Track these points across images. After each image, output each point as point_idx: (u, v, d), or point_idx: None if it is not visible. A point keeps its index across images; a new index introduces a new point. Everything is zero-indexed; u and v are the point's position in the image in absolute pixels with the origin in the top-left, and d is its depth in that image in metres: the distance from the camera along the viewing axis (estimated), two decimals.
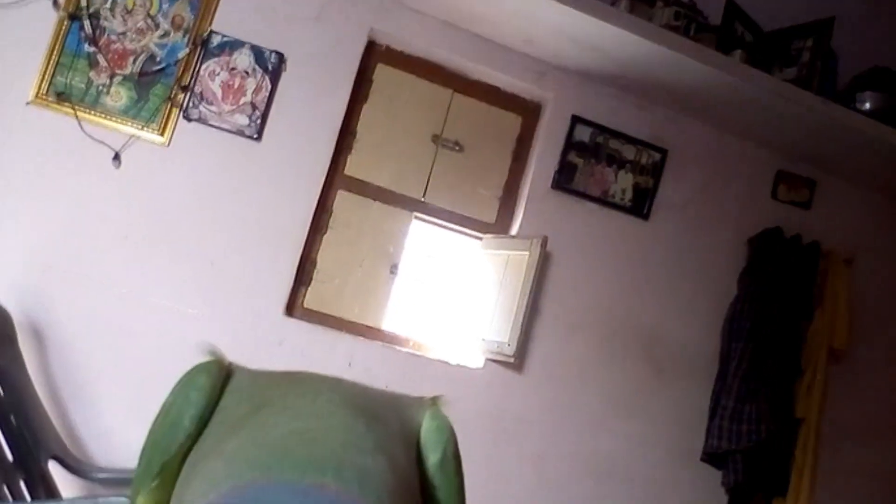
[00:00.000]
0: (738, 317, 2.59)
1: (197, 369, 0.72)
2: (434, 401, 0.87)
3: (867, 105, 2.58)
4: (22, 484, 1.85)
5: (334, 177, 2.49)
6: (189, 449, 0.68)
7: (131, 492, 0.72)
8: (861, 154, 2.63)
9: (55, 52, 2.24)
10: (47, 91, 2.23)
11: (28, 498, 1.85)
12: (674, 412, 2.63)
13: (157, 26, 2.31)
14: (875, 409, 2.83)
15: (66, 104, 2.23)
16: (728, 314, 2.64)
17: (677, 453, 2.62)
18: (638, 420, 2.60)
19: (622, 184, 2.63)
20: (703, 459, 2.59)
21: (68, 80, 2.25)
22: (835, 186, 2.84)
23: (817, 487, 2.62)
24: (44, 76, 2.23)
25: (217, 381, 0.71)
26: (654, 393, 2.62)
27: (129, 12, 2.29)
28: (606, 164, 2.62)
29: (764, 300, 2.58)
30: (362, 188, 2.53)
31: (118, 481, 2.07)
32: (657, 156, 2.66)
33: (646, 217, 2.65)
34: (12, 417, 1.91)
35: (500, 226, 2.63)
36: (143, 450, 0.72)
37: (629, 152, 2.64)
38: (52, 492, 1.94)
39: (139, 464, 0.72)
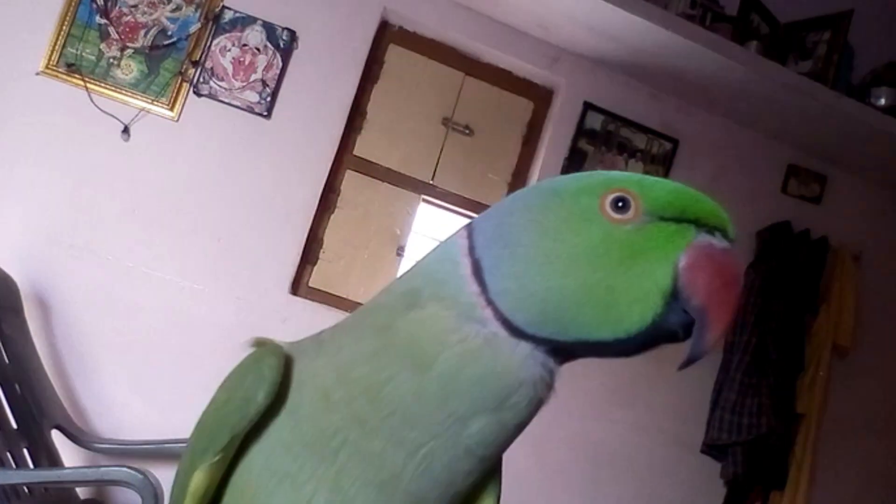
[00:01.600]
0: (743, 310, 2.58)
1: (261, 351, 0.68)
2: None
3: (882, 101, 2.56)
4: (25, 452, 1.86)
5: (343, 157, 2.48)
6: (259, 421, 0.63)
7: (187, 468, 0.69)
8: (874, 150, 2.61)
9: (66, 22, 2.23)
10: (57, 62, 2.22)
11: (31, 465, 1.86)
12: (675, 402, 2.63)
13: (170, 0, 2.30)
14: (876, 407, 2.82)
15: (76, 76, 2.23)
16: None
17: (677, 443, 2.62)
18: (639, 409, 2.61)
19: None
20: (703, 451, 2.60)
21: (79, 52, 2.24)
22: (846, 182, 2.82)
23: (815, 482, 2.63)
24: (54, 47, 2.22)
25: (283, 362, 0.64)
26: (656, 382, 2.62)
27: None
28: (617, 152, 2.61)
29: (770, 294, 2.57)
30: (371, 169, 2.52)
31: (120, 452, 2.09)
32: (668, 146, 2.65)
33: None
34: (17, 386, 1.92)
35: None
36: (204, 425, 0.67)
37: (640, 141, 2.62)
38: (54, 460, 1.95)
39: (199, 440, 0.67)
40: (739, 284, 0.57)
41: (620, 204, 0.58)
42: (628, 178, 0.60)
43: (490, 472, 0.66)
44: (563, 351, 0.60)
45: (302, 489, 0.61)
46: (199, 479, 0.64)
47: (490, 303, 0.59)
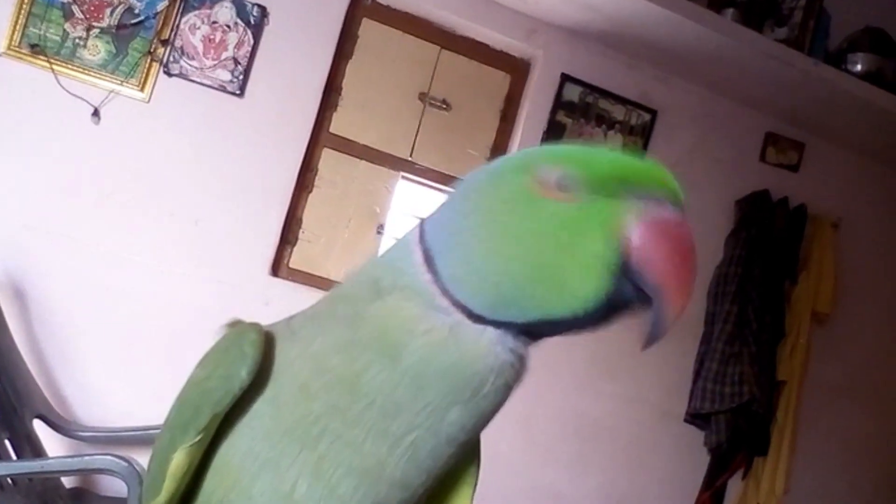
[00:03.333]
0: (723, 280, 2.60)
1: (242, 328, 0.66)
2: None
3: (858, 67, 2.56)
4: (7, 443, 1.84)
5: (319, 135, 2.44)
6: (238, 403, 0.62)
7: (165, 447, 0.66)
8: (851, 117, 2.61)
9: (26, 0, 2.16)
10: (20, 43, 2.16)
11: (13, 456, 1.84)
12: (659, 374, 2.65)
13: None
14: (856, 373, 2.87)
15: (41, 57, 2.16)
16: (714, 277, 2.65)
17: (661, 414, 2.65)
18: (623, 381, 2.63)
19: (611, 144, 2.61)
20: (686, 420, 2.63)
21: (42, 32, 2.17)
22: (824, 149, 2.83)
23: (797, 448, 2.67)
24: (15, 26, 2.15)
25: (264, 340, 0.63)
26: (639, 355, 2.63)
27: None
28: (595, 124, 2.59)
29: (750, 263, 2.58)
30: (348, 147, 2.49)
31: (104, 440, 2.07)
32: (647, 116, 2.63)
33: None
34: None
35: None
36: (184, 403, 0.64)
37: (619, 112, 2.61)
38: (37, 450, 1.94)
39: (178, 418, 0.65)
40: (695, 257, 0.56)
41: (561, 180, 0.56)
42: (567, 153, 0.59)
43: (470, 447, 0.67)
44: (530, 332, 0.60)
45: (285, 475, 0.60)
46: (179, 459, 0.63)
47: (446, 291, 0.58)
